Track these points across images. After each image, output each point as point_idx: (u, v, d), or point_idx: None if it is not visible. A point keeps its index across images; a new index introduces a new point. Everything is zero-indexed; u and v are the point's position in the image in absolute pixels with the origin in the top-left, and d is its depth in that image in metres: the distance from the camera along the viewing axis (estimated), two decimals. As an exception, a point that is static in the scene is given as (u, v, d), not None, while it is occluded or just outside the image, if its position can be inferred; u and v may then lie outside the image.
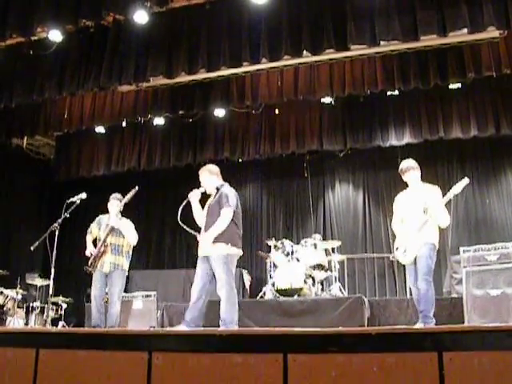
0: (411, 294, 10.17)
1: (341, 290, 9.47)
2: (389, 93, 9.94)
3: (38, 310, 9.37)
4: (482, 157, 11.20)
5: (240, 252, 5.67)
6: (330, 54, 8.56)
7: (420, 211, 5.89)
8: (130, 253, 7.06)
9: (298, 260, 9.22)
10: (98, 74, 8.30)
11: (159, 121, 11.13)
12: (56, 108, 10.71)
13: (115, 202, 7.01)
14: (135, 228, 7.04)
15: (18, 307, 9.40)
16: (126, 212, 7.00)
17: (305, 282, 8.83)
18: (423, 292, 5.69)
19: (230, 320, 5.38)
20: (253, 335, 3.14)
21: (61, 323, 9.47)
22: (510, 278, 6.35)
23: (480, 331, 2.71)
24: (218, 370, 2.90)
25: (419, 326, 5.62)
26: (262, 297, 9.42)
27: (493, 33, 7.85)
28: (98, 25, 8.39)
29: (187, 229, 5.61)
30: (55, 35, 8.19)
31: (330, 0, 7.73)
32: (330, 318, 7.60)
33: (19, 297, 9.39)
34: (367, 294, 10.51)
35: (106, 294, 6.92)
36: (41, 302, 9.70)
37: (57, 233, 6.83)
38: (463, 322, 6.29)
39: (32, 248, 6.84)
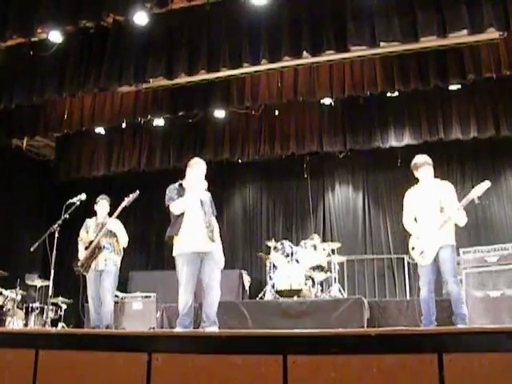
0: (411, 296, 10.18)
1: (340, 291, 9.47)
2: (388, 94, 9.93)
3: (37, 311, 9.35)
4: (481, 158, 11.20)
5: None
6: (329, 56, 8.55)
7: (436, 210, 5.77)
8: (121, 252, 7.14)
9: (297, 261, 9.23)
10: (98, 75, 8.30)
11: (159, 122, 11.12)
12: (56, 109, 10.70)
13: (105, 203, 7.06)
14: (132, 229, 7.06)
15: (18, 308, 9.38)
16: (125, 213, 7.00)
17: (304, 283, 8.84)
18: (455, 294, 5.57)
19: (216, 320, 5.42)
20: (252, 336, 3.15)
21: (60, 324, 9.47)
22: (510, 280, 6.35)
23: (480, 333, 2.72)
24: (218, 371, 2.90)
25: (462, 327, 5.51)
26: (261, 298, 9.43)
27: (492, 34, 7.84)
28: (98, 26, 8.39)
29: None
30: (55, 36, 8.19)
31: (329, 1, 7.72)
32: (330, 320, 7.60)
33: (19, 298, 9.37)
34: (367, 295, 10.50)
35: None
36: (40, 303, 9.68)
37: (56, 234, 6.84)
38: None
39: (32, 249, 6.85)
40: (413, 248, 5.93)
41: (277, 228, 12.37)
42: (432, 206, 5.81)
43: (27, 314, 9.35)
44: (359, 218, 11.96)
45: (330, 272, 9.59)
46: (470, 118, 9.90)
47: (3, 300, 9.11)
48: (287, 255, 9.32)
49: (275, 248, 9.62)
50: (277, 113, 11.09)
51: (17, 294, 9.32)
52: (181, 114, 10.18)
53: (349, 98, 9.68)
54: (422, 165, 6.01)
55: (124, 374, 3.09)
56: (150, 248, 13.03)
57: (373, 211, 11.90)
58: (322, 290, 9.32)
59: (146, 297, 8.73)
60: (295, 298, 8.54)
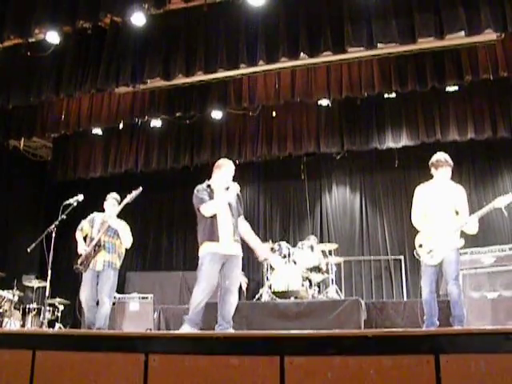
0: (408, 297, 10.20)
1: (337, 292, 9.47)
2: (386, 95, 9.96)
3: (34, 312, 9.35)
4: (478, 159, 11.24)
5: None
6: (327, 57, 8.54)
7: (451, 212, 5.73)
8: (123, 254, 6.99)
9: (294, 262, 9.22)
10: (96, 76, 8.30)
11: (156, 123, 11.13)
12: (53, 109, 10.70)
13: (112, 202, 6.96)
14: (130, 230, 7.01)
15: (15, 309, 9.37)
16: (122, 213, 6.98)
17: (302, 284, 8.84)
18: (455, 295, 5.54)
19: (231, 321, 5.36)
20: (249, 337, 3.14)
21: (57, 325, 9.45)
22: (507, 281, 6.36)
23: (477, 334, 2.71)
24: (215, 372, 2.89)
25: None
26: (258, 299, 9.41)
27: (490, 36, 7.85)
28: (96, 26, 8.39)
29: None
30: (53, 37, 8.19)
31: (327, 2, 7.73)
32: (327, 321, 7.60)
33: (16, 298, 9.35)
34: (364, 297, 10.51)
35: None
36: (37, 304, 9.68)
37: (53, 235, 6.82)
38: (460, 325, 6.29)
39: (29, 250, 6.83)
40: (420, 245, 5.85)
41: (274, 229, 12.37)
42: (446, 207, 5.76)
43: (24, 314, 9.34)
44: (356, 219, 11.97)
45: (327, 273, 9.58)
46: (467, 120, 9.92)
47: (0, 301, 9.09)
48: (284, 256, 9.32)
49: (272, 249, 9.61)
50: (274, 114, 11.10)
51: (14, 295, 9.30)
52: (178, 114, 10.18)
53: (346, 99, 9.69)
54: (444, 164, 5.87)
55: (121, 375, 3.08)
56: (147, 249, 13.05)
57: (370, 212, 11.90)
58: (319, 291, 9.31)
59: (143, 298, 8.72)
60: (292, 299, 8.55)
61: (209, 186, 5.67)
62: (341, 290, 9.91)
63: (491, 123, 9.73)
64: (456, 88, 9.57)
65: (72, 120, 10.59)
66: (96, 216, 7.04)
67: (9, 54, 8.83)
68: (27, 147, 12.86)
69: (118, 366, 3.11)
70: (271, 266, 9.56)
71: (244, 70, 8.92)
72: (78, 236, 6.93)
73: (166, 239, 13.08)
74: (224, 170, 5.72)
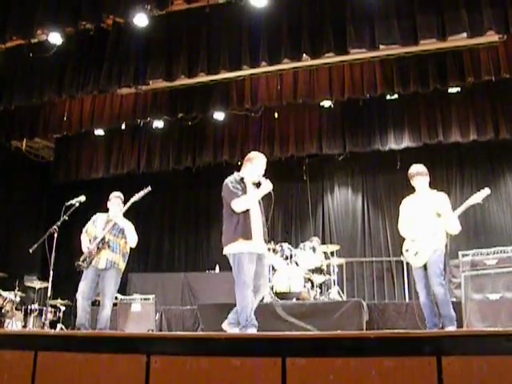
0: (410, 298, 10.18)
1: (339, 293, 9.46)
2: (388, 97, 9.95)
3: (36, 313, 9.34)
4: (480, 161, 11.22)
5: None
6: (329, 58, 8.56)
7: (431, 216, 5.84)
8: (127, 255, 6.89)
9: (296, 264, 9.21)
10: (98, 77, 8.31)
11: (158, 124, 11.13)
12: (55, 110, 10.72)
13: (117, 201, 6.88)
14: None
15: (17, 309, 9.37)
16: (124, 214, 6.97)
17: (304, 285, 8.83)
18: (441, 296, 5.62)
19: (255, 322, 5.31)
20: (251, 339, 3.14)
21: (59, 326, 9.45)
22: (509, 283, 6.34)
23: (479, 336, 2.71)
24: (217, 373, 2.89)
25: (451, 329, 5.53)
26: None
27: (492, 37, 7.86)
28: (98, 28, 8.40)
29: None
30: (55, 38, 8.20)
31: (329, 4, 7.73)
32: (329, 322, 7.58)
33: (17, 299, 9.36)
34: (366, 298, 10.51)
35: (98, 294, 6.76)
36: (39, 305, 9.67)
37: (55, 235, 6.80)
38: (462, 327, 6.28)
39: (31, 250, 6.82)
40: (407, 250, 6.01)
41: (276, 230, 12.35)
42: (427, 212, 5.89)
43: (26, 315, 9.33)
44: (358, 220, 11.96)
45: (329, 274, 9.57)
46: (470, 121, 9.91)
47: (2, 301, 9.10)
48: (286, 257, 9.30)
49: (274, 250, 9.60)
50: (276, 115, 11.09)
51: (16, 296, 9.31)
52: (180, 115, 10.18)
53: (348, 100, 9.69)
54: (415, 175, 6.12)
55: (123, 376, 3.08)
56: (149, 250, 13.04)
57: (372, 214, 11.90)
58: (321, 293, 9.30)
59: (145, 299, 8.70)
60: (294, 301, 8.53)
61: (242, 179, 5.38)
62: (343, 292, 9.89)
63: (493, 125, 9.72)
64: (458, 89, 9.57)
65: (74, 121, 10.61)
66: (99, 216, 6.99)
67: (11, 54, 8.85)
68: (29, 148, 12.88)
69: (120, 367, 3.11)
70: (273, 267, 9.55)
71: (246, 72, 8.93)
72: (83, 238, 6.89)
73: (167, 240, 13.06)
74: (256, 163, 5.48)
